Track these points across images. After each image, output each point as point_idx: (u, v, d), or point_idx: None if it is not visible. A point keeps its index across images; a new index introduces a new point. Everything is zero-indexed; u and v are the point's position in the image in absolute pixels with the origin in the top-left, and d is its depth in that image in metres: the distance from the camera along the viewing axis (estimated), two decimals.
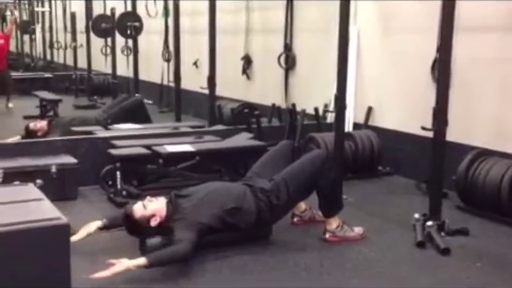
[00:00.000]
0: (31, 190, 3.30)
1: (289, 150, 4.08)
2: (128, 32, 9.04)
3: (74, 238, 3.48)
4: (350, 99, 5.72)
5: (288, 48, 7.03)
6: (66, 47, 15.01)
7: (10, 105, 10.44)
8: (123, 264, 3.07)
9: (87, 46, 11.75)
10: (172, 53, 8.36)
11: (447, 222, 3.88)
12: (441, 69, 3.90)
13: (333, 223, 3.79)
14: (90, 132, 5.75)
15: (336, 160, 4.35)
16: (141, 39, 9.45)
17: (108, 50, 11.02)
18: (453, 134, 4.19)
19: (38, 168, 4.63)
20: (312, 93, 6.58)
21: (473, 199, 4.37)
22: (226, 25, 7.69)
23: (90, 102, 10.89)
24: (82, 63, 12.47)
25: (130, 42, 10.04)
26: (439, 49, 4.02)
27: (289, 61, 7.06)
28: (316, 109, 5.97)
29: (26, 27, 17.30)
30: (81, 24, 12.34)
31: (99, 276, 3.01)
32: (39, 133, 6.27)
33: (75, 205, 4.54)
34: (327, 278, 3.28)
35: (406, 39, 5.49)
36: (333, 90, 4.67)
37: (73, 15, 13.22)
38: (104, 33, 10.57)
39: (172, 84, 8.33)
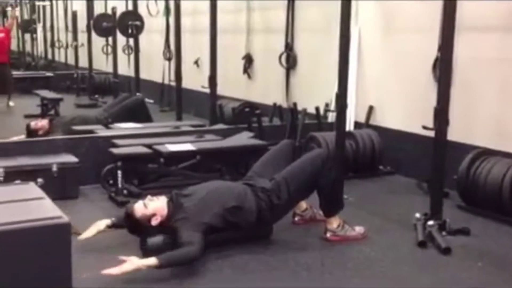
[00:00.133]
0: (32, 189, 3.31)
1: (290, 150, 4.08)
2: (129, 31, 9.06)
3: (84, 236, 3.55)
4: (351, 98, 5.72)
5: (289, 47, 7.03)
6: (67, 46, 15.01)
7: (11, 103, 10.45)
8: (133, 263, 3.07)
9: (88, 45, 11.75)
10: (173, 52, 8.36)
11: (448, 222, 3.87)
12: (443, 68, 3.90)
13: (334, 222, 3.79)
14: (91, 131, 5.75)
15: (337, 159, 4.35)
16: (142, 38, 9.46)
17: (109, 49, 11.02)
18: (454, 134, 4.20)
19: (39, 167, 4.63)
20: (313, 93, 6.57)
21: (474, 199, 4.37)
22: (227, 24, 7.69)
23: (91, 101, 10.89)
24: (83, 62, 12.47)
25: (131, 41, 10.04)
26: (440, 49, 4.02)
27: (290, 60, 7.06)
28: (317, 109, 5.97)
29: (27, 26, 17.31)
30: (82, 23, 12.34)
31: (108, 273, 3.02)
32: (40, 132, 6.27)
33: (76, 204, 4.54)
34: (328, 277, 3.28)
35: (407, 39, 5.48)
36: (334, 89, 4.67)
37: (74, 14, 13.23)
38: (105, 32, 10.56)
39: (173, 83, 8.32)
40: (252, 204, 3.57)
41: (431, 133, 3.94)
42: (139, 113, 7.14)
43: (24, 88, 11.44)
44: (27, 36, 17.89)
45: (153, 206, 3.46)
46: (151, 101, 9.39)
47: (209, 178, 4.25)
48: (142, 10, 9.52)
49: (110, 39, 10.80)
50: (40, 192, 3.19)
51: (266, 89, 7.61)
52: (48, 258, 2.66)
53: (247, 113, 6.57)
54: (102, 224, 3.60)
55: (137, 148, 4.98)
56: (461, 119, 4.63)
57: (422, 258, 3.55)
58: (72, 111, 9.21)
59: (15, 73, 12.74)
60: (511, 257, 3.62)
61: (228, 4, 7.51)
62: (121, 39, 10.35)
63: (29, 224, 2.65)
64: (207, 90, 6.76)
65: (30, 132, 6.30)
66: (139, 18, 9.16)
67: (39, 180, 4.44)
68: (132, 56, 9.88)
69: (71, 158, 4.85)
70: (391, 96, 5.75)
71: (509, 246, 3.78)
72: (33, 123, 6.43)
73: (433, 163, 3.98)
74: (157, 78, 10.06)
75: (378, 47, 5.88)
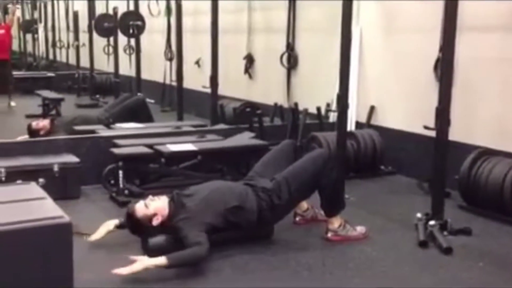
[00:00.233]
0: (34, 189, 3.31)
1: (291, 150, 4.07)
2: (131, 31, 9.06)
3: (94, 237, 3.59)
4: (352, 98, 5.72)
5: (290, 47, 7.03)
6: (68, 46, 15.03)
7: (13, 104, 10.45)
8: (143, 262, 3.10)
9: (89, 45, 11.75)
10: (175, 52, 8.36)
11: (449, 222, 3.87)
12: (444, 68, 3.90)
13: (335, 222, 3.79)
14: (92, 131, 5.75)
15: (338, 159, 4.35)
16: (144, 38, 9.46)
17: (111, 49, 11.03)
18: (455, 134, 4.19)
19: (40, 167, 4.63)
20: (314, 93, 6.57)
21: (476, 199, 4.37)
22: (229, 24, 7.69)
23: (92, 101, 10.89)
24: (84, 62, 12.48)
25: (132, 41, 10.05)
26: (441, 49, 4.02)
27: (291, 60, 7.06)
28: (318, 109, 5.97)
29: (28, 26, 17.33)
30: (83, 23, 12.35)
31: (118, 272, 3.05)
32: (42, 132, 6.28)
33: (77, 204, 4.54)
34: (329, 277, 3.28)
35: (409, 39, 5.48)
36: (336, 89, 4.67)
37: (75, 14, 13.23)
38: (106, 32, 10.56)
39: (174, 83, 8.32)
40: (253, 204, 3.57)
41: (433, 133, 3.94)
42: (140, 113, 7.14)
43: (25, 88, 11.45)
44: (29, 36, 17.90)
45: (154, 206, 3.46)
46: (152, 101, 9.40)
47: (210, 178, 4.25)
48: (143, 10, 9.52)
49: (111, 39, 10.81)
50: (41, 192, 3.19)
51: (267, 89, 7.61)
52: (50, 258, 2.66)
53: (248, 113, 6.57)
54: (111, 224, 3.64)
55: (138, 148, 4.98)
56: (462, 119, 4.63)
57: (423, 258, 3.55)
58: (73, 111, 9.21)
59: (17, 73, 12.75)
60: None
61: (229, 4, 7.51)
62: (122, 39, 10.35)
63: (30, 224, 2.65)
64: (208, 90, 6.76)
65: (32, 132, 6.30)
66: (141, 18, 9.16)
67: (41, 180, 4.44)
68: (133, 56, 9.88)
69: (72, 158, 4.85)
70: (393, 96, 5.75)
71: (511, 246, 3.78)
72: (35, 123, 6.43)
73: (434, 163, 3.98)
74: (158, 78, 10.07)
75: (380, 47, 5.88)
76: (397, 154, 5.50)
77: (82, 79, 12.26)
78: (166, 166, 4.88)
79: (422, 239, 3.72)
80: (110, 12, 10.36)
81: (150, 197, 3.54)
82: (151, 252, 3.27)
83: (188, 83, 7.91)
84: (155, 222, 3.44)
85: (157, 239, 3.41)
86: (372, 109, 5.91)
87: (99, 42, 11.46)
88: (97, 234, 3.61)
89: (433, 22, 4.77)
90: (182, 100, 7.67)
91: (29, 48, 18.13)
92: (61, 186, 4.58)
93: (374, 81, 5.96)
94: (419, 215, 3.93)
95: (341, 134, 4.53)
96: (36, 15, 17.50)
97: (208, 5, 6.76)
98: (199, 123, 6.83)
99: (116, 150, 4.88)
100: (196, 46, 8.63)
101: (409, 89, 5.53)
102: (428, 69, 5.12)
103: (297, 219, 4.09)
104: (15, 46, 18.23)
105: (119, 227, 3.64)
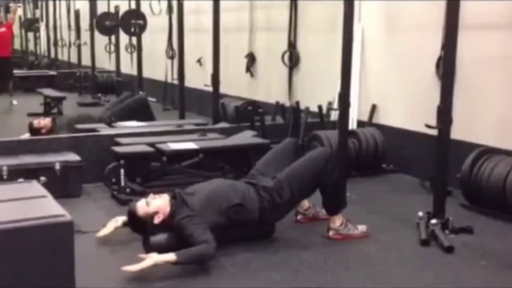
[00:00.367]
0: (35, 187, 3.30)
1: (292, 148, 4.07)
2: (132, 30, 9.06)
3: (102, 233, 3.62)
4: (354, 96, 5.71)
5: (292, 46, 7.03)
6: (70, 45, 15.05)
7: (14, 102, 10.47)
8: (153, 258, 3.12)
9: (91, 44, 11.77)
10: (176, 51, 8.37)
11: (451, 220, 3.86)
12: (446, 67, 3.89)
13: (337, 221, 3.79)
14: (94, 130, 5.75)
15: (340, 158, 4.34)
16: (145, 37, 9.46)
17: (112, 48, 11.04)
18: (457, 132, 4.19)
19: (42, 165, 4.64)
20: (316, 91, 6.57)
21: (478, 197, 4.36)
22: (230, 23, 7.69)
23: (94, 100, 10.91)
24: (86, 60, 12.49)
25: (134, 39, 10.05)
26: (443, 47, 4.01)
27: (293, 59, 7.05)
28: (320, 107, 5.96)
29: (30, 25, 17.35)
30: (85, 22, 12.37)
31: (128, 269, 3.08)
32: (43, 131, 6.28)
33: (79, 203, 4.54)
34: (331, 276, 3.27)
35: (410, 37, 5.47)
36: (337, 88, 4.66)
37: (77, 13, 13.25)
38: (108, 31, 10.58)
39: (176, 82, 8.33)
40: (254, 203, 3.57)
41: (434, 132, 3.94)
42: (142, 112, 7.15)
43: (27, 86, 11.48)
44: (30, 35, 17.94)
45: (155, 204, 3.46)
46: (154, 99, 9.41)
47: (212, 177, 4.25)
48: (145, 8, 9.53)
49: (113, 37, 10.82)
50: (43, 191, 3.19)
51: (268, 88, 7.61)
52: (51, 256, 2.66)
53: (250, 112, 6.57)
54: (120, 220, 3.67)
55: (140, 146, 4.98)
56: (464, 118, 4.63)
57: (425, 256, 3.54)
58: (75, 110, 9.23)
59: (18, 71, 12.78)
60: None
61: (231, 2, 7.51)
62: (124, 38, 10.36)
63: (32, 222, 2.65)
64: (210, 89, 6.76)
65: (33, 130, 6.31)
66: (142, 17, 9.16)
67: (42, 178, 4.43)
68: (135, 55, 9.89)
69: (74, 157, 4.85)
70: (394, 94, 5.74)
71: None
72: (36, 122, 6.43)
73: (436, 161, 3.97)
74: (160, 77, 10.07)
75: (382, 45, 5.88)
76: (399, 152, 5.50)
77: (83, 77, 12.28)
78: (167, 165, 4.87)
79: (424, 237, 3.71)
80: (112, 10, 10.37)
81: (152, 195, 3.54)
82: (152, 250, 3.27)
83: (190, 82, 7.92)
84: (157, 220, 3.44)
85: (158, 237, 3.41)
86: (373, 107, 5.90)
87: (101, 40, 11.48)
88: (105, 230, 3.64)
89: (435, 20, 4.76)
90: (183, 99, 7.68)
91: (31, 46, 18.17)
92: (63, 185, 4.58)
93: (376, 79, 5.95)
94: (420, 213, 3.92)
95: (342, 132, 4.52)
96: (37, 13, 17.53)
97: (209, 4, 6.77)
98: (201, 121, 6.84)
99: (117, 149, 4.89)
100: (197, 45, 8.63)
101: (411, 88, 5.52)
102: (430, 68, 5.11)
103: (299, 217, 4.09)
104: (17, 45, 18.27)
105: (126, 224, 3.65)
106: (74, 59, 14.12)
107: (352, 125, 5.82)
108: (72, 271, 2.72)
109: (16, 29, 13.49)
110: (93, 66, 11.82)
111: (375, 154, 5.45)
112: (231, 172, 4.99)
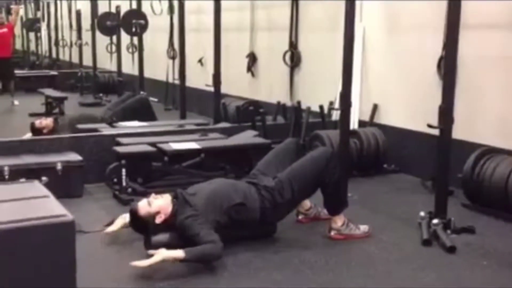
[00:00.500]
0: (37, 187, 3.30)
1: (294, 148, 4.07)
2: (133, 30, 9.06)
3: (110, 229, 3.63)
4: (355, 96, 5.71)
5: (293, 45, 7.03)
6: (71, 45, 15.06)
7: (16, 102, 10.48)
8: (161, 254, 3.14)
9: (92, 44, 11.78)
10: (177, 51, 8.37)
11: (453, 220, 3.86)
12: (447, 67, 3.89)
13: (338, 221, 3.78)
14: (95, 130, 5.75)
15: (341, 157, 4.34)
16: (146, 37, 9.47)
17: (114, 47, 11.04)
18: (459, 132, 4.18)
19: (43, 165, 4.64)
20: (317, 91, 6.57)
21: (479, 197, 4.36)
22: (231, 23, 7.69)
23: (95, 100, 10.91)
24: (87, 61, 12.50)
25: (135, 39, 10.06)
26: (445, 47, 4.00)
27: (294, 58, 7.05)
28: (321, 107, 5.96)
29: (31, 25, 17.36)
30: (86, 22, 12.38)
31: (137, 265, 3.10)
32: (45, 131, 6.28)
33: (80, 203, 4.54)
34: (332, 276, 3.27)
35: (412, 37, 5.47)
36: (339, 87, 4.66)
37: (78, 13, 13.26)
38: (109, 31, 10.59)
39: (177, 82, 8.33)
40: (255, 202, 3.57)
41: (436, 132, 3.93)
42: (143, 112, 7.15)
43: (28, 86, 11.49)
44: (32, 35, 17.95)
45: (157, 204, 3.46)
46: (155, 99, 9.41)
47: (213, 177, 4.25)
48: (146, 8, 9.54)
49: (114, 37, 10.83)
50: (44, 191, 3.19)
51: (270, 88, 7.61)
52: (52, 256, 2.66)
53: (251, 112, 6.57)
54: (127, 217, 3.65)
55: (141, 146, 4.98)
56: (466, 117, 4.62)
57: (426, 256, 3.54)
58: (76, 110, 9.24)
59: (20, 72, 12.78)
60: None
61: (232, 2, 7.51)
62: (125, 38, 10.36)
63: (33, 222, 2.65)
64: (211, 89, 6.76)
65: (35, 130, 6.31)
66: (143, 16, 9.17)
67: (44, 178, 4.42)
68: (136, 55, 9.89)
69: (75, 157, 4.85)
70: (396, 94, 5.74)
71: None
72: (38, 122, 6.44)
73: (437, 161, 3.97)
74: (161, 77, 10.08)
75: (383, 45, 5.87)
76: (400, 152, 5.49)
77: (85, 77, 12.29)
78: (169, 165, 4.88)
79: (426, 237, 3.71)
80: (113, 10, 10.37)
81: (153, 195, 3.54)
82: (154, 249, 3.26)
83: (191, 82, 7.92)
84: (158, 220, 3.44)
85: (160, 237, 3.41)
86: (375, 107, 5.90)
87: (102, 40, 11.48)
88: (113, 226, 3.65)
89: (436, 20, 4.76)
90: (185, 99, 7.68)
91: (32, 47, 18.19)
92: (64, 185, 4.58)
93: (377, 79, 5.95)
94: (422, 213, 3.92)
95: (344, 132, 4.52)
96: (39, 14, 17.54)
97: (210, 4, 6.77)
98: (202, 121, 6.83)
99: (119, 149, 4.89)
100: (199, 45, 8.63)
101: (412, 88, 5.52)
102: (432, 68, 5.11)
103: (300, 217, 4.08)
104: (18, 45, 18.29)
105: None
106: (75, 59, 14.14)
107: (354, 125, 5.81)
108: (73, 271, 2.72)
109: (17, 29, 13.50)
110: (94, 66, 11.83)
111: (377, 154, 5.44)
112: (232, 172, 4.99)
